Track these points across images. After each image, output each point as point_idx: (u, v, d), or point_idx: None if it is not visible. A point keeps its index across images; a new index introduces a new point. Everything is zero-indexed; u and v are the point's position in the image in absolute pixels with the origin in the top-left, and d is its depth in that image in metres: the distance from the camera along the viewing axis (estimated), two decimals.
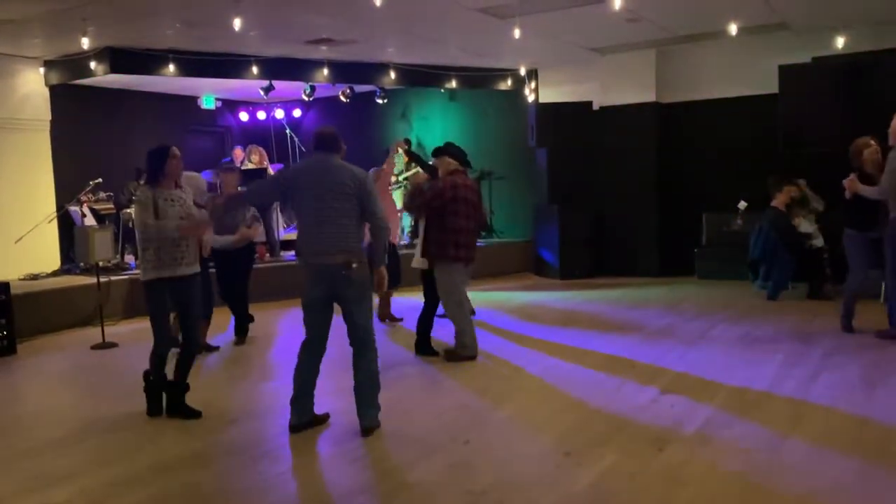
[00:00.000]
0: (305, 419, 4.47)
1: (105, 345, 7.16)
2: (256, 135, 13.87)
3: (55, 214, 9.48)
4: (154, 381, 4.90)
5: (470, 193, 6.00)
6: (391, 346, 6.69)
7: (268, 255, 10.50)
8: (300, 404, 4.46)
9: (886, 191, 6.09)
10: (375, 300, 6.06)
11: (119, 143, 11.76)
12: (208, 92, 13.35)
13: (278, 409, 4.85)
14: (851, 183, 6.33)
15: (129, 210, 9.41)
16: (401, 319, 7.91)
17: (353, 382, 4.41)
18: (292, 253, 9.86)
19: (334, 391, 5.10)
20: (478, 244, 6.45)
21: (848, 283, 6.69)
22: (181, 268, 4.78)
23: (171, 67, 9.65)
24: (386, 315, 7.87)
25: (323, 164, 4.37)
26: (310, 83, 11.42)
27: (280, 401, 4.94)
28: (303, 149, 13.08)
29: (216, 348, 6.86)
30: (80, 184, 9.52)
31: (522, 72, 11.74)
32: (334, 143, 4.43)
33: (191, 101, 13.46)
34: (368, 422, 4.37)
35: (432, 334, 6.40)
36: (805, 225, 8.65)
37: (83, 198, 9.60)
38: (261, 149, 11.78)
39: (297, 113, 14.52)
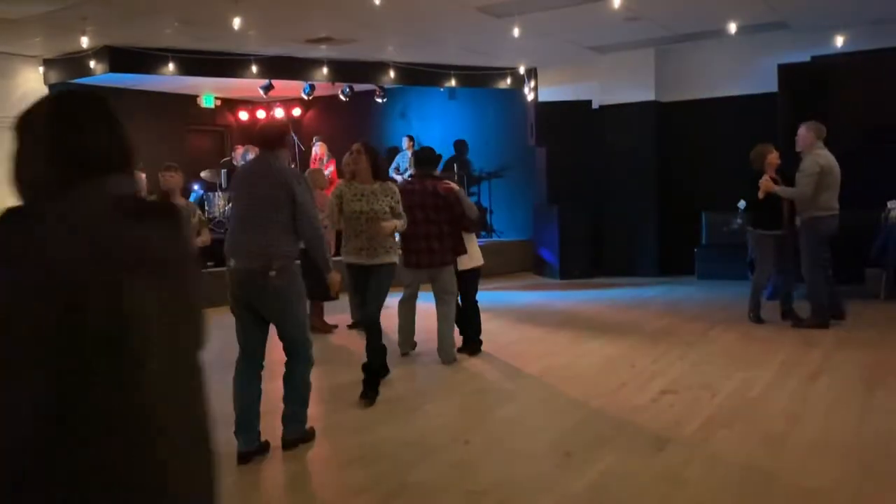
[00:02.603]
0: (254, 445, 4.01)
1: None
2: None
3: None
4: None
5: (426, 198, 5.86)
6: (390, 346, 6.67)
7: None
8: (244, 429, 4.00)
9: (805, 193, 6.60)
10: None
11: None
12: (208, 91, 13.35)
13: (276, 409, 4.83)
14: (766, 183, 6.74)
15: None
16: (335, 327, 7.50)
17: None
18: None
19: (321, 391, 5.10)
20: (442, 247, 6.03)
21: (756, 278, 7.22)
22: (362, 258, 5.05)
23: (171, 66, 9.65)
24: (318, 326, 7.16)
25: (259, 167, 4.19)
26: (309, 82, 11.42)
27: (278, 402, 4.92)
28: (301, 147, 13.07)
29: None
30: None
31: (522, 70, 11.73)
32: (276, 141, 4.19)
33: (190, 99, 13.46)
34: (289, 433, 4.14)
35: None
36: None
37: None
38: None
39: (296, 112, 14.52)
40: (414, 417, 4.68)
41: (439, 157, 6.45)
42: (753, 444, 3.97)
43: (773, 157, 6.95)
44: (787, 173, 6.94)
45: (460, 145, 12.49)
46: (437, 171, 6.22)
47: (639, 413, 4.57)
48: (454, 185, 6.22)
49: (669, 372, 5.52)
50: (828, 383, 5.11)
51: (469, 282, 6.32)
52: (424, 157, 6.26)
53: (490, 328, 7.46)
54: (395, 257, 5.24)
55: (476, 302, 6.41)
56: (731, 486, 3.46)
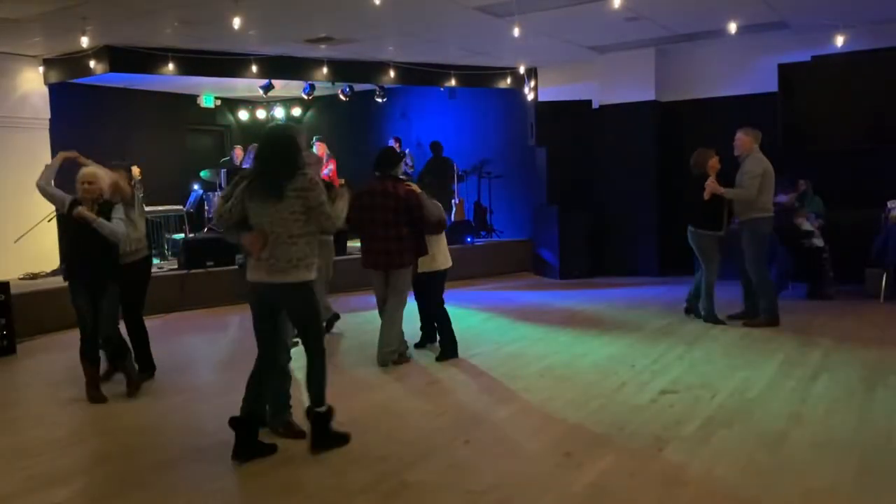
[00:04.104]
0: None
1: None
2: (256, 134, 13.87)
3: (54, 214, 9.46)
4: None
5: (386, 200, 5.79)
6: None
7: None
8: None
9: (751, 193, 6.81)
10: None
11: (119, 141, 11.76)
12: (208, 90, 13.35)
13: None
14: (713, 185, 6.92)
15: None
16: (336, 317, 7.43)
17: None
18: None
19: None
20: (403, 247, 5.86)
21: (707, 279, 7.31)
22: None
23: (171, 66, 9.64)
24: None
25: None
26: (309, 82, 11.42)
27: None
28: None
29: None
30: None
31: (522, 70, 11.73)
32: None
33: (190, 99, 13.47)
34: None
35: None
36: (806, 224, 8.64)
37: None
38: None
39: (296, 111, 14.53)
40: (414, 417, 4.68)
41: (400, 157, 6.38)
42: (753, 444, 3.97)
43: (715, 162, 7.11)
44: (727, 177, 7.11)
45: (436, 146, 12.26)
46: (398, 172, 6.13)
47: (639, 413, 4.57)
48: (415, 187, 6.07)
49: (669, 372, 5.52)
50: (828, 383, 5.11)
51: (432, 285, 6.20)
52: (384, 158, 6.10)
53: (490, 328, 7.49)
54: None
55: (444, 307, 6.23)
56: (731, 486, 3.46)
